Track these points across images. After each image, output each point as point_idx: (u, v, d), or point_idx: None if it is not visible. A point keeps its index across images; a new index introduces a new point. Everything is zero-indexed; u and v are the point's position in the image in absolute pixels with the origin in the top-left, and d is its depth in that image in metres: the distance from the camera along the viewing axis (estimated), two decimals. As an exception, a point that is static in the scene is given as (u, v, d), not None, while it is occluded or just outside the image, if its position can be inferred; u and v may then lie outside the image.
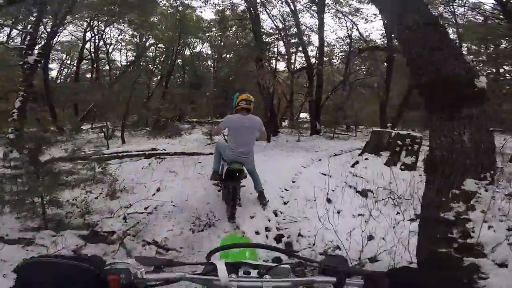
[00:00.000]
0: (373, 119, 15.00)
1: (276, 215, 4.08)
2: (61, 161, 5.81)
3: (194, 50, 22.47)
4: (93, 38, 19.11)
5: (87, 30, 17.46)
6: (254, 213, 3.95)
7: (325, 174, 5.72)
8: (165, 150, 7.53)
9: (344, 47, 19.21)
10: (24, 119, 7.51)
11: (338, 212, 3.84)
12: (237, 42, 16.96)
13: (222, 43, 19.53)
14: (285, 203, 4.52)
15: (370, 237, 3.11)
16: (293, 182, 5.62)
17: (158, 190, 4.85)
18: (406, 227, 3.17)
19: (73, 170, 4.35)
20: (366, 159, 6.11)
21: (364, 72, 20.86)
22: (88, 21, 16.63)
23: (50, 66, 22.22)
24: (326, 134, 13.39)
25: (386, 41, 15.14)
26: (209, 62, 24.56)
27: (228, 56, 21.61)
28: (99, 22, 17.36)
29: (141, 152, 7.15)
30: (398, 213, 3.71)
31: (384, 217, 3.53)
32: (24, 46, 8.72)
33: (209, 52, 23.80)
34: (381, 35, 17.50)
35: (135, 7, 13.59)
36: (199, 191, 4.80)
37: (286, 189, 5.18)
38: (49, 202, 3.34)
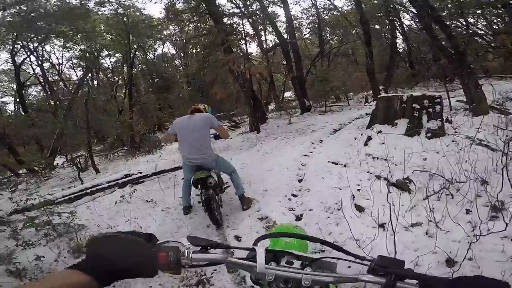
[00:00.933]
0: (360, 85, 14.13)
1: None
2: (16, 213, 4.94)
3: (155, 53, 21.22)
4: (30, 59, 17.14)
5: (15, 53, 15.09)
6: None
7: (336, 163, 4.61)
8: (140, 172, 6.35)
9: (311, 17, 18.53)
10: None
11: (382, 226, 2.68)
12: (197, 33, 15.50)
13: (184, 40, 18.13)
14: (298, 219, 3.39)
15: (451, 262, 2.03)
16: (300, 181, 4.50)
17: None
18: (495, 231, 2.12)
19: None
20: (379, 132, 4.97)
21: (337, 41, 20.19)
22: (12, 42, 14.24)
23: (3, 99, 20.94)
24: (317, 109, 12.35)
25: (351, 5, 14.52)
26: (177, 62, 23.22)
27: (194, 51, 20.44)
28: (27, 42, 15.21)
29: (113, 182, 6.03)
30: (468, 211, 2.57)
31: (451, 222, 2.44)
32: None
33: (173, 51, 22.55)
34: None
35: (61, 17, 12.00)
36: (183, 226, 3.74)
37: (294, 195, 4.07)
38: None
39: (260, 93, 16.42)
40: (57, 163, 11.96)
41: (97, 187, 5.85)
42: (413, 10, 11.16)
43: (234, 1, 13.95)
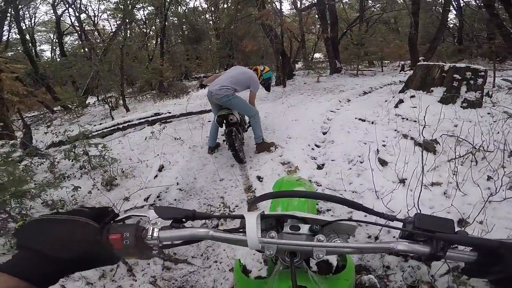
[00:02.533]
0: (398, 53, 13.33)
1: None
2: (53, 146, 5.30)
3: (187, 6, 20.93)
4: (69, 11, 18.22)
5: (56, 4, 16.32)
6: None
7: (364, 120, 4.58)
8: (169, 112, 6.57)
9: None
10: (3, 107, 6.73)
11: (402, 182, 2.71)
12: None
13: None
14: (320, 168, 3.47)
15: (462, 222, 2.08)
16: (324, 134, 4.53)
17: (160, 169, 3.98)
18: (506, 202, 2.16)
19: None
20: (412, 96, 4.82)
21: (378, 8, 18.75)
22: None
23: (42, 47, 22.72)
24: (349, 72, 11.93)
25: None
26: (207, 16, 22.87)
27: (225, 5, 20.00)
28: None
29: (143, 120, 6.29)
30: (490, 177, 2.55)
31: (471, 185, 2.45)
32: None
33: (204, 5, 22.23)
34: None
35: None
36: (209, 163, 3.91)
37: (317, 145, 4.12)
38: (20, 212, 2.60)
39: (290, 51, 15.96)
40: (89, 102, 12.67)
41: (128, 123, 6.13)
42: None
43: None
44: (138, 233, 0.52)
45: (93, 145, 4.00)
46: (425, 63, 5.73)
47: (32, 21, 19.11)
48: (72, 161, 3.95)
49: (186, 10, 20.87)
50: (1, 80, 7.09)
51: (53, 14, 17.11)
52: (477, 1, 15.21)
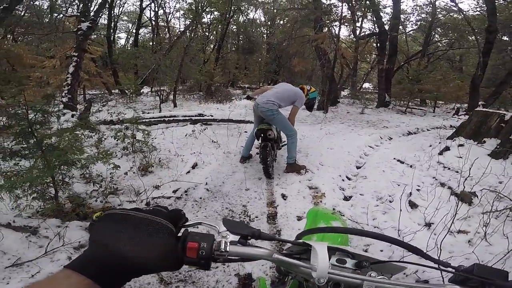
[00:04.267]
0: (456, 94, 12.55)
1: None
2: (103, 124, 5.77)
3: (247, 17, 22.01)
4: (151, 6, 19.89)
5: None
6: (303, 213, 2.98)
7: (402, 162, 4.43)
8: (212, 116, 6.90)
9: (423, 15, 16.61)
10: (76, 83, 7.56)
11: (428, 226, 2.63)
12: (291, 6, 15.44)
13: (275, 9, 18.18)
14: (346, 199, 3.43)
15: None
16: (358, 168, 4.46)
17: (194, 166, 4.20)
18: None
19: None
20: (461, 145, 4.55)
21: (445, 44, 17.89)
22: None
23: (119, 35, 25.01)
24: (397, 107, 11.52)
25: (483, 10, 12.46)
26: (263, 29, 23.82)
27: (281, 22, 20.64)
28: None
29: (187, 118, 6.69)
30: None
31: (499, 238, 2.34)
32: (79, 14, 8.70)
33: (262, 19, 23.35)
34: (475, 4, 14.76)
35: None
36: (239, 172, 4.05)
37: (348, 178, 4.08)
38: (62, 180, 2.80)
39: (340, 76, 15.86)
40: (143, 91, 13.72)
41: (173, 118, 6.53)
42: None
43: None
44: (213, 245, 0.51)
45: (141, 131, 4.26)
46: (483, 109, 5.39)
47: (120, 10, 21.29)
48: (118, 140, 4.18)
49: (246, 21, 21.85)
50: (83, 59, 7.94)
51: (139, 7, 19.18)
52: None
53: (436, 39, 18.01)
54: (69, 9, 16.44)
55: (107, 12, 15.96)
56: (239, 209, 3.14)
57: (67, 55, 9.20)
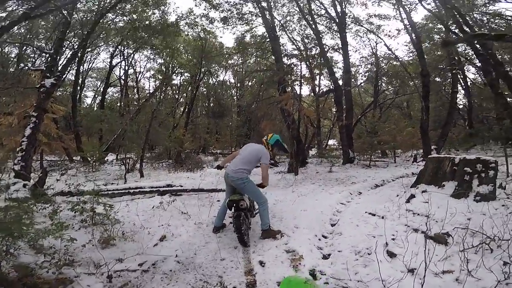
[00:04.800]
0: (411, 141, 13.55)
1: (314, 277, 2.89)
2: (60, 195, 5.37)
3: (217, 79, 22.94)
4: (121, 64, 20.16)
5: (114, 55, 18.38)
6: (282, 279, 2.84)
7: (374, 214, 4.51)
8: (181, 186, 6.78)
9: (369, 66, 18.71)
10: (32, 148, 6.85)
11: (411, 271, 2.63)
12: (258, 68, 16.70)
13: (244, 71, 19.41)
14: (325, 258, 3.35)
15: None
16: (333, 225, 4.45)
17: (162, 239, 3.95)
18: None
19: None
20: (424, 191, 4.81)
21: (392, 92, 19.91)
22: (115, 45, 17.47)
23: (86, 93, 24.44)
24: (361, 162, 12.06)
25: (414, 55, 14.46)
26: (233, 91, 24.67)
27: (250, 83, 21.67)
28: (125, 48, 18.25)
29: (155, 189, 6.45)
30: (506, 263, 2.51)
31: (485, 271, 2.41)
32: (44, 68, 8.15)
33: (232, 80, 24.09)
34: (407, 50, 16.94)
35: (158, 32, 14.16)
36: (212, 242, 3.87)
37: (324, 236, 4.04)
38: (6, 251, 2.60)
39: (305, 136, 16.58)
40: (107, 159, 13.21)
41: (139, 189, 6.27)
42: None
43: (295, 43, 14.95)
44: None
45: (101, 204, 4.04)
46: (435, 155, 5.79)
47: (89, 66, 20.68)
48: (75, 213, 3.96)
49: (216, 83, 22.75)
50: (42, 120, 7.34)
51: (109, 64, 19.17)
52: (482, 78, 15.36)
53: (384, 87, 19.95)
54: (38, 60, 15.32)
55: (75, 68, 15.72)
56: (214, 280, 2.93)
57: (26, 113, 8.46)
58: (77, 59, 13.99)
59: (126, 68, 20.51)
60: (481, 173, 4.46)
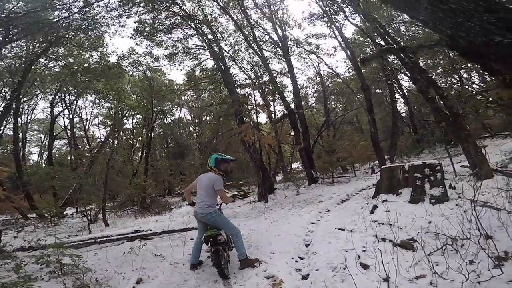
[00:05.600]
0: (366, 154, 14.35)
1: (297, 299, 3.00)
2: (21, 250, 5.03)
3: (173, 117, 22.50)
4: (64, 113, 18.43)
5: (55, 103, 16.82)
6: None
7: (343, 229, 4.74)
8: (150, 230, 6.59)
9: (316, 86, 19.74)
10: None
11: (386, 280, 2.79)
12: (213, 101, 16.83)
13: (199, 106, 19.49)
14: (304, 278, 3.45)
15: None
16: (307, 246, 4.58)
17: (138, 282, 3.88)
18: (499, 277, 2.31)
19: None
20: (385, 201, 5.17)
21: (341, 109, 21.05)
22: (54, 93, 16.13)
23: (30, 149, 22.24)
24: (325, 180, 12.52)
25: (352, 71, 15.44)
26: (191, 128, 24.46)
27: (208, 118, 21.64)
28: (66, 95, 16.93)
29: (123, 236, 6.26)
30: (472, 261, 2.73)
31: (454, 272, 2.60)
32: None
33: (189, 117, 23.87)
34: (346, 66, 18.11)
35: (99, 74, 13.40)
36: (191, 279, 3.83)
37: (300, 258, 4.14)
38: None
39: (268, 164, 16.81)
40: (67, 213, 12.35)
41: (106, 238, 6.06)
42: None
43: (246, 72, 15.45)
44: None
45: (68, 255, 4.04)
46: (388, 166, 6.26)
47: (28, 117, 18.73)
48: (41, 265, 3.92)
49: (172, 122, 22.19)
50: None
51: (50, 113, 17.20)
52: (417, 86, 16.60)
53: (333, 105, 21.02)
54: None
55: (12, 122, 14.15)
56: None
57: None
58: (12, 111, 12.81)
59: (71, 116, 18.89)
60: (430, 177, 4.91)
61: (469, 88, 14.53)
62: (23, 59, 11.74)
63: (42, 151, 21.42)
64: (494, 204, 3.78)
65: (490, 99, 12.65)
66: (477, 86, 14.34)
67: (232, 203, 6.84)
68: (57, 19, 11.11)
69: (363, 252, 3.51)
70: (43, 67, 13.65)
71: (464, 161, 7.58)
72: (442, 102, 7.07)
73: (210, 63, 15.16)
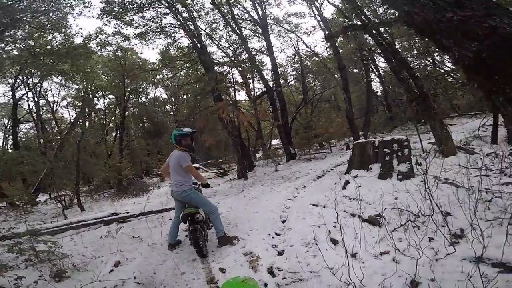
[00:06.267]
0: (342, 131, 14.74)
1: (272, 274, 3.16)
2: None
3: (148, 97, 21.84)
4: (27, 96, 17.44)
5: (16, 87, 15.81)
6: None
7: (317, 205, 4.94)
8: (127, 212, 6.56)
9: (295, 65, 19.64)
10: None
11: (354, 256, 2.97)
12: (189, 79, 16.39)
13: (175, 85, 18.95)
14: (280, 254, 3.62)
15: (414, 283, 2.33)
16: (283, 222, 4.76)
17: (116, 264, 3.93)
18: (454, 255, 2.48)
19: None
20: (356, 176, 5.39)
21: (319, 87, 21.22)
22: (14, 76, 15.17)
23: None
24: (302, 157, 12.80)
25: (330, 51, 15.53)
26: (168, 107, 23.92)
27: (185, 96, 21.18)
28: (28, 78, 15.87)
29: (99, 219, 6.19)
30: (431, 238, 2.91)
31: (415, 249, 2.73)
32: None
33: (165, 96, 23.27)
34: (324, 46, 18.11)
35: (63, 56, 12.53)
36: (169, 259, 3.92)
37: (277, 234, 4.32)
38: None
39: (248, 141, 16.85)
40: (40, 200, 12.00)
41: (82, 223, 5.98)
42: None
43: (224, 50, 15.09)
44: None
45: (42, 242, 4.03)
46: (360, 141, 6.48)
47: None
48: (16, 254, 3.90)
49: (147, 101, 21.53)
50: None
51: (11, 97, 16.25)
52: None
53: (311, 84, 21.21)
54: None
55: None
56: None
57: None
58: None
59: (36, 99, 17.89)
60: (398, 152, 5.13)
61: (441, 70, 15.00)
62: (-24, 43, 10.84)
63: (7, 135, 20.24)
64: (455, 181, 4.01)
65: (460, 81, 13.34)
66: (449, 69, 14.84)
67: (211, 181, 6.91)
68: (11, 1, 10.24)
69: (333, 228, 3.69)
70: (0, 51, 12.61)
71: (432, 139, 7.92)
72: (413, 82, 7.30)
73: (185, 42, 14.56)
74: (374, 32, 7.87)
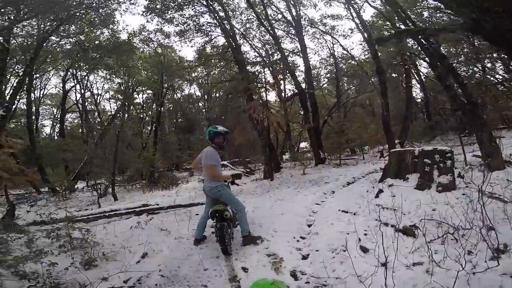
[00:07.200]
0: (376, 137, 14.15)
1: (295, 277, 3.04)
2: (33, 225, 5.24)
3: (183, 93, 22.49)
4: (75, 88, 18.95)
5: (66, 79, 17.35)
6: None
7: (346, 212, 4.75)
8: (157, 204, 6.72)
9: (329, 67, 19.25)
10: None
11: (384, 265, 2.79)
12: (223, 78, 16.65)
13: (209, 83, 19.33)
14: (304, 258, 3.50)
15: None
16: (309, 226, 4.63)
17: (144, 256, 3.96)
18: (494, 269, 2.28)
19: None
20: (391, 185, 5.13)
21: (354, 91, 20.67)
22: (66, 69, 16.56)
23: (43, 122, 22.94)
24: (332, 161, 12.47)
25: (368, 54, 15.13)
26: (200, 104, 24.43)
27: (217, 94, 21.52)
28: (77, 71, 17.29)
29: (131, 210, 6.38)
30: (470, 252, 2.69)
31: (451, 261, 2.57)
32: None
33: (198, 93, 23.81)
34: (362, 48, 17.61)
35: (110, 51, 13.51)
36: (194, 254, 3.90)
37: (302, 237, 4.19)
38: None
39: (276, 142, 16.73)
40: (77, 187, 12.73)
41: (115, 212, 6.19)
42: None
43: (257, 50, 15.15)
44: None
45: (77, 229, 4.14)
46: (397, 149, 6.16)
47: (40, 93, 19.20)
48: (52, 239, 4.01)
49: (181, 98, 22.19)
50: None
51: (62, 88, 17.92)
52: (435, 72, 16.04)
53: (346, 87, 20.62)
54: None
55: (25, 96, 14.68)
56: (199, 289, 3.00)
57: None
58: (25, 86, 13.14)
59: (82, 91, 19.46)
60: (440, 163, 4.81)
61: (491, 78, 13.90)
62: (35, 37, 11.79)
63: (55, 124, 22.12)
64: (501, 196, 3.69)
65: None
66: (500, 77, 13.73)
67: (238, 180, 6.93)
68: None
69: (364, 236, 3.53)
70: (55, 45, 13.77)
71: (476, 151, 7.35)
72: (460, 90, 6.81)
73: (221, 40, 14.88)
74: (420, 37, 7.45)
